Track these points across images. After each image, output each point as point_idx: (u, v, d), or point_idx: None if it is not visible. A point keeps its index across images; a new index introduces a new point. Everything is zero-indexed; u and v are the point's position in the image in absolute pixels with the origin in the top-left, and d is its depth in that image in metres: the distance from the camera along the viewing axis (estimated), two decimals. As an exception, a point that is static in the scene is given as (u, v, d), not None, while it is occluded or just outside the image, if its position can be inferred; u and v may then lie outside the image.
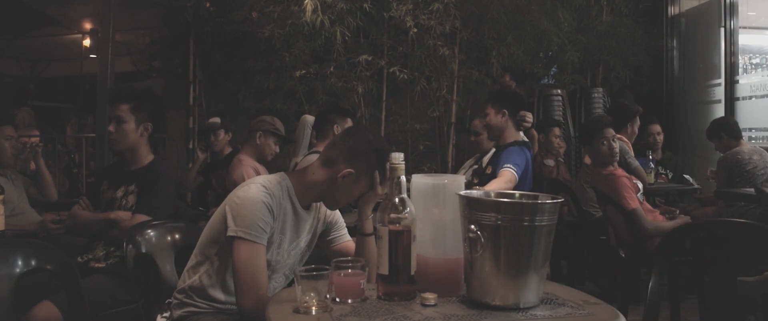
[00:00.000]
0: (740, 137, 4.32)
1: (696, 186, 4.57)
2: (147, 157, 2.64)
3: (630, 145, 4.12)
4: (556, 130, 4.88)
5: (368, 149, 1.78)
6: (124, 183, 2.57)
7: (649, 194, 4.09)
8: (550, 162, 4.80)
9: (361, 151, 1.78)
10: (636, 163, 3.96)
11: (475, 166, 3.70)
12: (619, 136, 3.94)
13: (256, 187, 1.74)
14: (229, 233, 1.69)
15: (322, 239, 1.98)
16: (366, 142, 1.79)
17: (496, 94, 3.55)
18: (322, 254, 3.04)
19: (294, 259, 1.89)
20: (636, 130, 4.22)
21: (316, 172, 1.82)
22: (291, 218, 1.82)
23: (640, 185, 3.42)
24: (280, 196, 1.77)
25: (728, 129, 4.33)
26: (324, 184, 1.80)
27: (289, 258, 1.86)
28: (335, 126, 3.39)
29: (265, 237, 1.71)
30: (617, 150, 3.40)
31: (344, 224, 2.02)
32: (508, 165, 3.05)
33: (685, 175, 4.74)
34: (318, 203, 1.92)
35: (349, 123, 3.46)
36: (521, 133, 3.39)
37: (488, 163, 3.29)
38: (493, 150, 3.44)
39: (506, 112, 3.26)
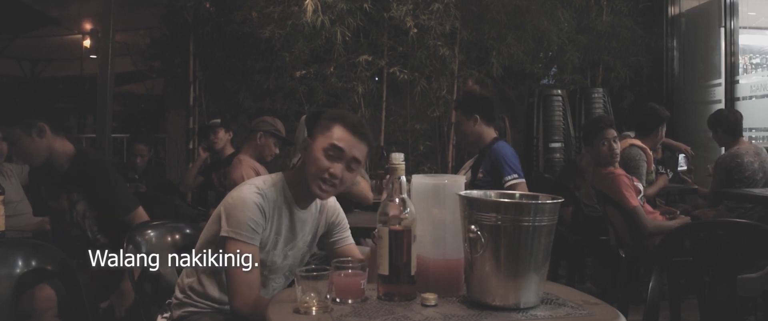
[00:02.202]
0: (740, 135, 4.26)
1: (684, 167, 4.51)
2: (67, 152, 2.46)
3: (650, 157, 3.95)
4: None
5: (319, 113, 1.85)
6: (64, 191, 2.47)
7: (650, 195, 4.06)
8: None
9: (313, 118, 1.83)
10: (640, 187, 3.52)
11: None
12: (640, 144, 3.91)
13: (248, 188, 1.74)
14: (222, 233, 1.70)
15: (324, 240, 1.97)
16: (316, 112, 1.84)
17: (463, 100, 3.46)
18: (324, 253, 3.04)
19: (293, 261, 1.88)
20: (663, 135, 4.08)
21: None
22: (287, 219, 1.81)
23: (641, 187, 3.41)
24: (274, 197, 1.77)
25: (727, 125, 4.24)
26: (300, 169, 1.81)
27: (286, 259, 1.85)
28: None
29: (257, 238, 1.71)
30: (618, 151, 3.40)
31: (348, 226, 2.00)
32: (513, 175, 3.04)
33: (679, 154, 4.67)
34: (319, 204, 1.91)
35: None
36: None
37: (478, 168, 3.25)
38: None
39: (478, 117, 3.24)
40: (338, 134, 1.73)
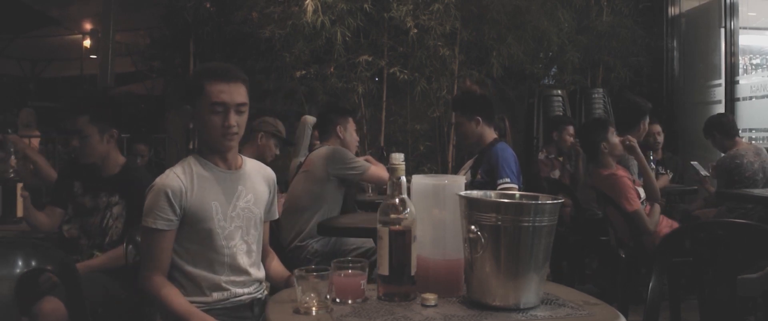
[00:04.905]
0: (735, 135, 4.27)
1: (705, 174, 4.49)
2: (118, 160, 2.60)
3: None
4: (570, 129, 4.85)
5: (189, 79, 1.89)
6: (104, 191, 2.53)
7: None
8: (556, 173, 4.78)
9: (185, 85, 1.89)
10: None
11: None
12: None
13: (160, 177, 1.81)
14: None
15: None
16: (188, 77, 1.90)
17: (463, 101, 3.42)
18: (325, 250, 3.04)
19: (244, 222, 1.88)
20: (647, 127, 4.01)
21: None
22: (215, 181, 1.85)
23: (641, 191, 3.39)
24: (189, 170, 1.83)
25: (721, 127, 4.26)
26: (198, 138, 1.89)
27: (234, 221, 1.85)
28: (338, 126, 3.37)
29: (162, 222, 1.76)
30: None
31: (275, 211, 2.05)
32: (506, 179, 3.03)
33: (692, 162, 4.66)
34: (265, 176, 1.97)
35: (350, 122, 3.43)
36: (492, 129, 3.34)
37: (478, 169, 3.23)
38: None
39: (480, 119, 3.21)
40: (214, 90, 1.79)
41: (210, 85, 1.79)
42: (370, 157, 3.50)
